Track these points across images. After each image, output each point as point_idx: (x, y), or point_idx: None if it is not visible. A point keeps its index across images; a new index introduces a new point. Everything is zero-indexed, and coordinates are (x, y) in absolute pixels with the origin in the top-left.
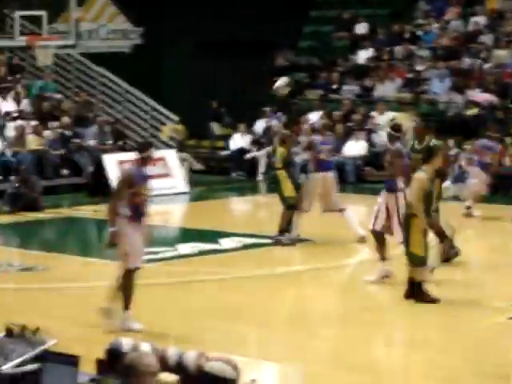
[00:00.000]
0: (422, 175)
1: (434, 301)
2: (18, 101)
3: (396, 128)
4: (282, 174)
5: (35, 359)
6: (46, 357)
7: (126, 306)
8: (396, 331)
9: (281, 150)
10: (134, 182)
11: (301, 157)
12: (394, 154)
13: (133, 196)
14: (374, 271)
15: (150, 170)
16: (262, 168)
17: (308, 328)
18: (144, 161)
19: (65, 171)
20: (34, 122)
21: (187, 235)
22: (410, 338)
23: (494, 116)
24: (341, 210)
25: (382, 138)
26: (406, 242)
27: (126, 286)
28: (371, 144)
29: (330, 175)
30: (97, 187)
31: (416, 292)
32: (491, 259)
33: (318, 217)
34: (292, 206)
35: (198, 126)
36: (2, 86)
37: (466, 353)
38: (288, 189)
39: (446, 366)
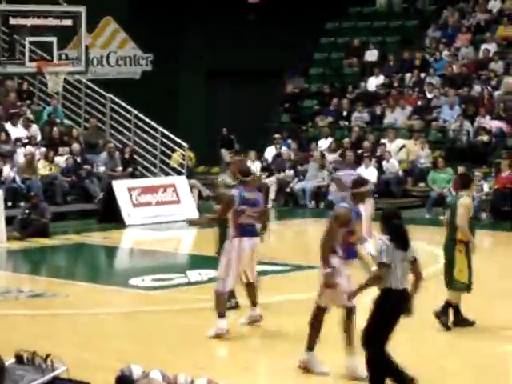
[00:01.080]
0: (468, 200)
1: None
2: (27, 127)
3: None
4: None
5: None
6: (56, 383)
7: (311, 347)
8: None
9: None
10: (350, 220)
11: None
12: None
13: (347, 235)
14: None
15: (159, 196)
16: (272, 195)
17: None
18: (358, 196)
19: (74, 197)
20: (43, 149)
21: (197, 262)
22: (416, 363)
23: (504, 143)
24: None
25: (392, 165)
26: (450, 266)
27: (313, 325)
28: (381, 171)
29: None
30: (106, 214)
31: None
32: (502, 285)
33: None
34: None
35: (207, 153)
36: (12, 111)
37: (472, 380)
38: None
39: None
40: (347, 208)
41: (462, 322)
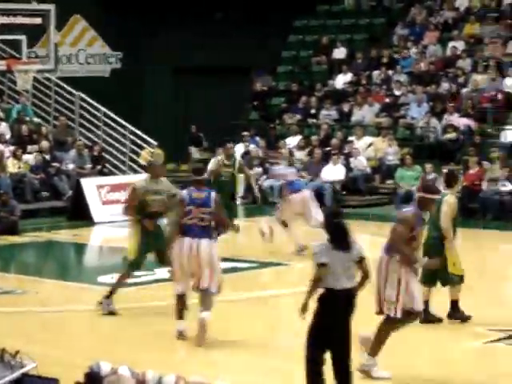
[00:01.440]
0: (452, 199)
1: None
2: None
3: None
4: None
5: (15, 382)
6: (25, 380)
7: (375, 352)
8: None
9: None
10: (415, 226)
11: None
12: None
13: (410, 240)
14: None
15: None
16: (240, 192)
17: (286, 353)
18: (425, 202)
19: (44, 195)
20: (12, 147)
21: None
22: (385, 363)
23: (471, 140)
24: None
25: (360, 162)
26: (444, 264)
27: (384, 333)
28: (349, 168)
29: None
30: (75, 211)
31: (454, 311)
32: (468, 282)
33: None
34: None
35: (176, 151)
36: None
37: (438, 376)
38: None
39: None
40: (413, 212)
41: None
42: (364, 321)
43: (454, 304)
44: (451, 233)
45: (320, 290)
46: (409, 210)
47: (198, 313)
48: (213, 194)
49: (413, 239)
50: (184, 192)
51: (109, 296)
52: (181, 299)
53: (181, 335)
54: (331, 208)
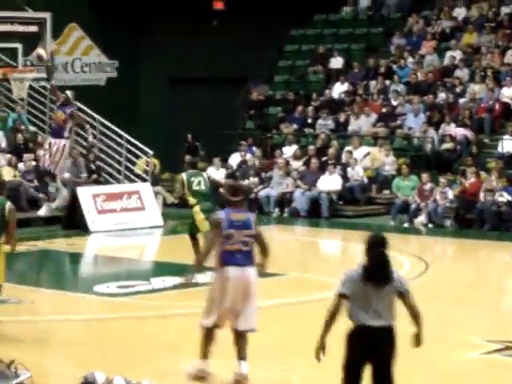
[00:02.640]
0: None
1: None
2: None
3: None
4: None
5: None
6: None
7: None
8: None
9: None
10: None
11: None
12: None
13: None
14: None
15: (123, 203)
16: None
17: (279, 361)
18: None
19: (40, 203)
20: (8, 155)
21: (161, 269)
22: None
23: (468, 150)
24: None
25: (357, 172)
26: None
27: None
28: (346, 178)
29: None
30: (71, 220)
31: None
32: (465, 292)
33: (293, 251)
34: None
35: (172, 160)
36: None
37: None
38: None
39: None
40: None
41: None
42: None
43: None
44: None
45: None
46: None
47: (236, 365)
48: (253, 215)
49: None
50: (221, 213)
51: None
52: (210, 334)
53: (201, 376)
54: (375, 236)
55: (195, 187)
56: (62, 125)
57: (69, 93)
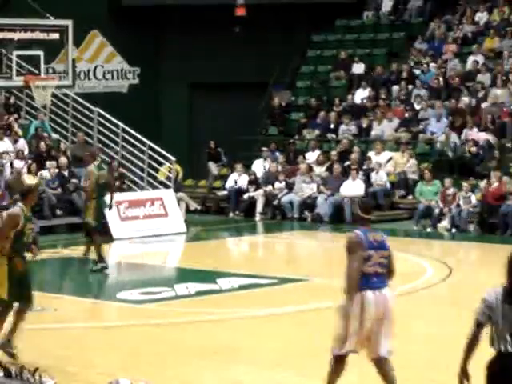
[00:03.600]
0: None
1: None
2: (15, 141)
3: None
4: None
5: None
6: None
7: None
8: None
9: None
10: None
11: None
12: None
13: None
14: None
15: (146, 210)
16: (259, 208)
17: (303, 369)
18: None
19: (61, 211)
20: (30, 162)
21: (184, 275)
22: (400, 376)
23: (491, 155)
24: None
25: (380, 177)
26: None
27: None
28: (368, 183)
29: None
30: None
31: None
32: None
33: (316, 256)
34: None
35: (195, 166)
36: None
37: None
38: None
39: None
40: None
41: None
42: None
43: None
44: None
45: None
46: None
47: None
48: (386, 235)
49: None
50: (359, 233)
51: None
52: (341, 362)
53: None
54: None
55: None
56: None
57: None
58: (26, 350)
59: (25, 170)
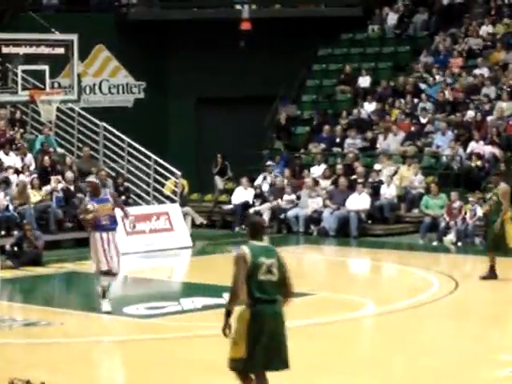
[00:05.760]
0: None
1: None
2: (22, 155)
3: None
4: None
5: None
6: None
7: None
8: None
9: None
10: None
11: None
12: None
13: None
14: None
15: (152, 224)
16: (265, 222)
17: (315, 382)
18: None
19: (68, 226)
20: (36, 177)
21: (191, 290)
22: None
23: (497, 168)
24: None
25: (389, 190)
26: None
27: None
28: (375, 197)
29: None
30: None
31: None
32: (494, 312)
33: (322, 270)
34: None
35: (201, 180)
36: (2, 140)
37: None
38: None
39: None
40: None
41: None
42: None
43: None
44: None
45: None
46: None
47: None
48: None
49: None
50: None
51: None
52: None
53: None
54: None
55: None
56: None
57: None
58: (32, 364)
59: (32, 184)
